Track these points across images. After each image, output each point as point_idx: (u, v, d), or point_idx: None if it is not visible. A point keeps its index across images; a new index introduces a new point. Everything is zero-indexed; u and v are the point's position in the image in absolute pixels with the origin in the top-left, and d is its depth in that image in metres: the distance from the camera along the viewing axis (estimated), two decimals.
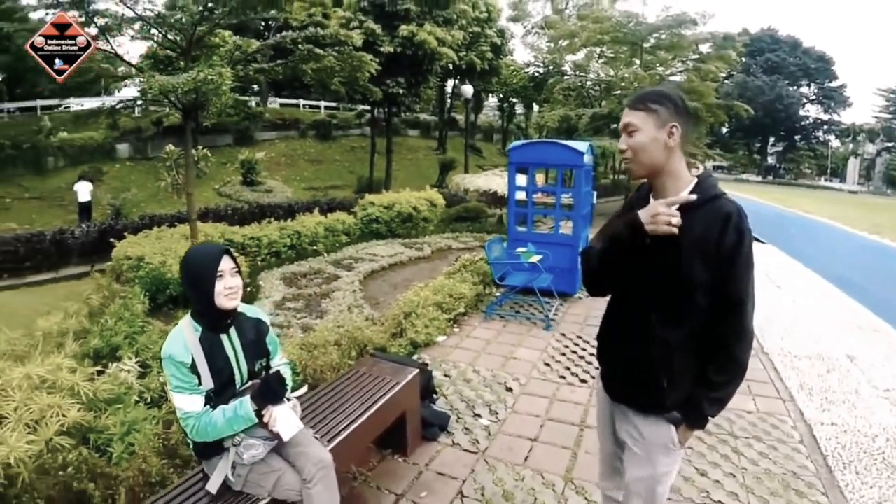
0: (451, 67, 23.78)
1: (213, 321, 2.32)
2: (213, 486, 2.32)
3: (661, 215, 1.74)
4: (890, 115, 67.89)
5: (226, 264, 2.28)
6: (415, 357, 5.35)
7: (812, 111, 72.97)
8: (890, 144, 66.85)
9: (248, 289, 8.31)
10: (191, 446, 2.45)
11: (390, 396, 3.33)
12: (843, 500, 3.29)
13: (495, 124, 43.86)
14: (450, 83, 32.68)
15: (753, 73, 66.28)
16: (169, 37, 8.85)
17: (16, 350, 4.40)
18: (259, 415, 2.27)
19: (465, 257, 8.82)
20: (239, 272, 2.36)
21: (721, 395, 1.87)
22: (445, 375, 5.05)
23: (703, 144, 23.97)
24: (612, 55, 23.31)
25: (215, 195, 20.58)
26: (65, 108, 22.64)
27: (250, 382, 2.39)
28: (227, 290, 2.27)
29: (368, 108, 24.72)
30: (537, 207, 8.36)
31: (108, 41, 8.48)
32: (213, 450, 2.34)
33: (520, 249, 7.34)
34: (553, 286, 7.08)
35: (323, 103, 33.75)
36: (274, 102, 33.03)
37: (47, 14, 8.75)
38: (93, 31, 8.20)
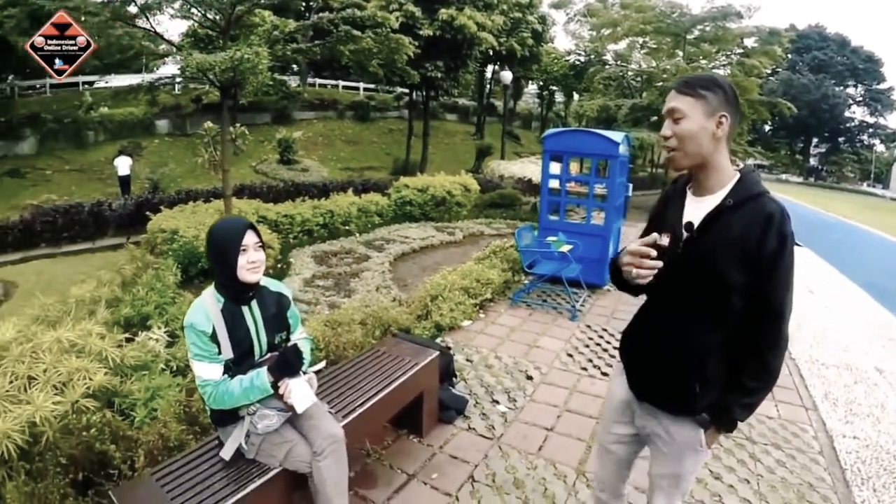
0: (490, 53, 23.53)
1: (235, 293, 2.35)
2: (226, 452, 2.38)
3: (631, 266, 1.69)
4: None
5: (249, 239, 2.30)
6: (438, 340, 5.36)
7: (858, 113, 70.03)
8: None
9: (280, 265, 8.42)
10: (208, 413, 2.50)
11: (408, 377, 3.34)
12: None
13: (534, 112, 43.29)
14: (489, 69, 32.38)
15: (799, 70, 63.91)
16: (208, 16, 8.93)
17: (49, 315, 4.53)
18: (275, 386, 2.31)
19: (496, 243, 8.76)
20: (262, 247, 2.38)
21: (752, 401, 1.82)
22: (467, 360, 5.04)
23: (745, 141, 23.42)
24: (654, 46, 22.95)
25: (252, 172, 20.85)
26: (105, 84, 23.01)
27: (269, 354, 2.43)
28: (250, 264, 2.29)
29: (406, 90, 24.75)
30: (570, 197, 8.23)
31: (147, 19, 8.59)
32: (228, 418, 2.39)
33: (550, 238, 7.26)
34: (582, 277, 7.00)
35: (362, 85, 33.71)
36: (313, 84, 33.20)
37: None
38: (133, 9, 8.35)
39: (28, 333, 3.47)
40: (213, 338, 2.27)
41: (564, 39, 45.10)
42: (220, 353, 2.29)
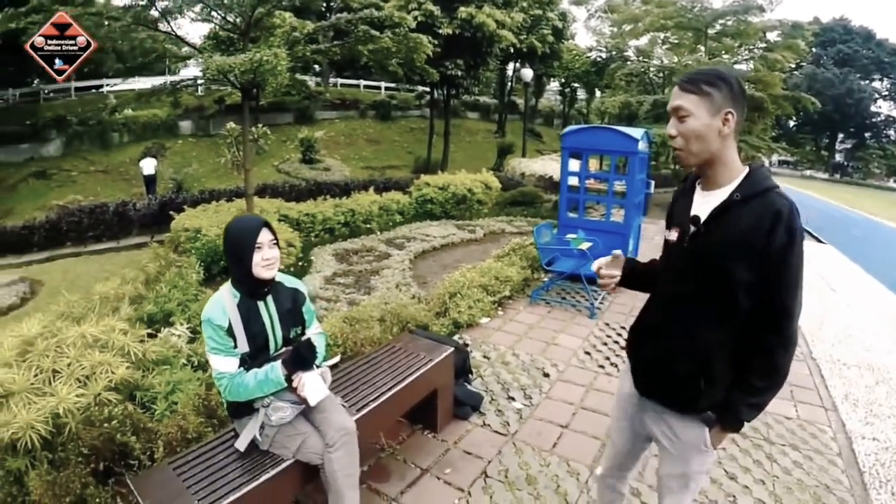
0: (511, 50, 23.50)
1: (251, 289, 2.40)
2: (241, 444, 2.43)
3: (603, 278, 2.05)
4: None
5: (264, 236, 2.35)
6: (456, 337, 5.38)
7: (884, 108, 67.96)
8: None
9: (301, 263, 8.50)
10: (225, 406, 2.55)
11: (422, 373, 3.37)
12: None
13: (556, 109, 43.15)
14: (510, 66, 32.36)
15: (823, 64, 62.47)
16: (228, 18, 9.05)
17: (73, 311, 4.64)
18: (289, 379, 2.36)
19: (515, 241, 8.76)
20: (277, 244, 2.43)
21: (759, 401, 1.79)
22: (485, 357, 5.06)
23: (769, 137, 23.05)
24: (675, 41, 22.67)
25: (274, 172, 21.10)
26: (128, 86, 23.42)
27: (284, 349, 2.48)
28: (265, 260, 2.35)
29: (428, 89, 24.79)
30: (590, 194, 8.18)
31: (168, 23, 8.74)
32: (244, 410, 2.45)
33: (569, 235, 7.23)
34: None
35: (383, 84, 33.88)
36: (335, 84, 33.41)
37: None
38: (154, 13, 8.50)
39: (53, 329, 3.57)
40: (230, 332, 2.33)
41: (585, 36, 45.08)
42: (236, 346, 2.34)
